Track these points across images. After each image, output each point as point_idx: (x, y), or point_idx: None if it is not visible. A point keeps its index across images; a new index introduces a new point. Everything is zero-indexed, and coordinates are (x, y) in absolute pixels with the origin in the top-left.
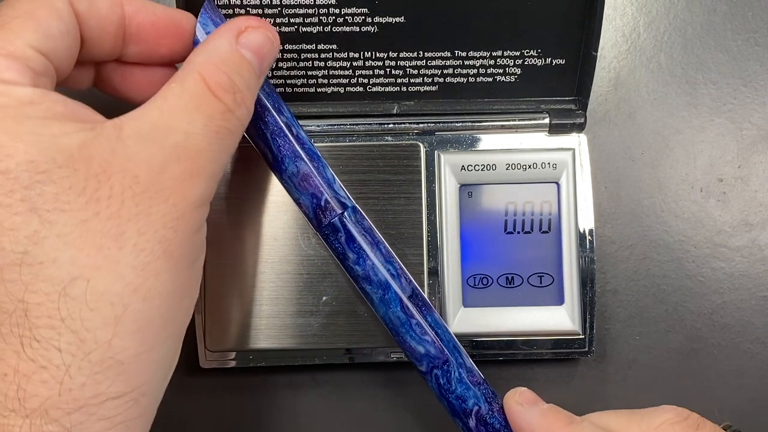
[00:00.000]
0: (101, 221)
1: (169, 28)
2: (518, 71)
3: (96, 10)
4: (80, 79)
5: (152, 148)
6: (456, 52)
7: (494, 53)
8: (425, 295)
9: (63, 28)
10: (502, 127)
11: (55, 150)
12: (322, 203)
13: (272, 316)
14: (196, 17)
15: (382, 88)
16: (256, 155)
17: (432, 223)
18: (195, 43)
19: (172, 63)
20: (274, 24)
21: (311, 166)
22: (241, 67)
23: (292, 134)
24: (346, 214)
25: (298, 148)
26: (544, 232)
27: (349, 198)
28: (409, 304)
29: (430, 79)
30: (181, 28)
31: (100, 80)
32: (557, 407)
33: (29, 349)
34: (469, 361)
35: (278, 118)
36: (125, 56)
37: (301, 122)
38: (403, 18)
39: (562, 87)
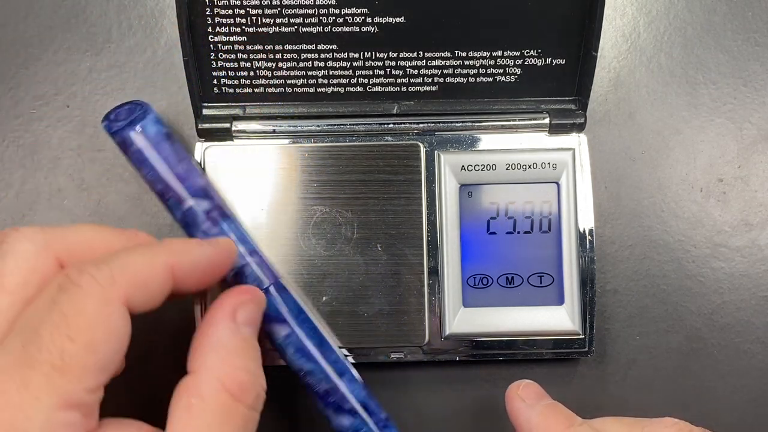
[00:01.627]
0: None
1: (215, 272)
2: (518, 71)
3: (151, 300)
4: None
5: None
6: (456, 52)
7: (494, 53)
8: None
9: (119, 347)
10: (502, 127)
11: None
12: None
13: None
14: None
15: (382, 88)
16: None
17: (432, 223)
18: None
19: None
20: (274, 24)
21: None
22: (250, 351)
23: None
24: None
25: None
26: (544, 232)
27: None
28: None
29: (430, 79)
30: (224, 266)
31: None
32: (559, 406)
33: None
34: None
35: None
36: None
37: (301, 122)
38: (403, 18)
39: (562, 87)
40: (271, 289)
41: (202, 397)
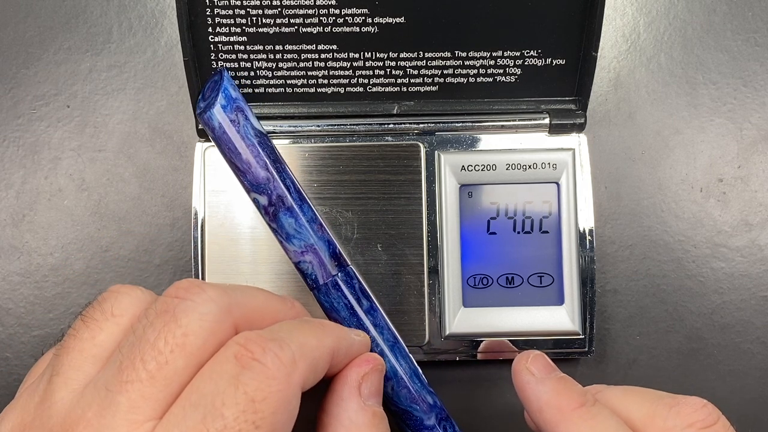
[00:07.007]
0: None
1: (347, 362)
2: (518, 71)
3: (314, 382)
4: None
5: None
6: (456, 52)
7: (494, 53)
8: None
9: (291, 429)
10: (502, 127)
11: None
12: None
13: None
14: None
15: (382, 88)
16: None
17: (432, 223)
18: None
19: None
20: (274, 24)
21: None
22: (380, 425)
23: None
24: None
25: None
26: (544, 232)
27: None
28: None
29: (430, 79)
30: (354, 356)
31: None
32: (570, 381)
33: None
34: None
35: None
36: None
37: (301, 122)
38: (403, 18)
39: (562, 87)
40: (324, 288)
41: None
